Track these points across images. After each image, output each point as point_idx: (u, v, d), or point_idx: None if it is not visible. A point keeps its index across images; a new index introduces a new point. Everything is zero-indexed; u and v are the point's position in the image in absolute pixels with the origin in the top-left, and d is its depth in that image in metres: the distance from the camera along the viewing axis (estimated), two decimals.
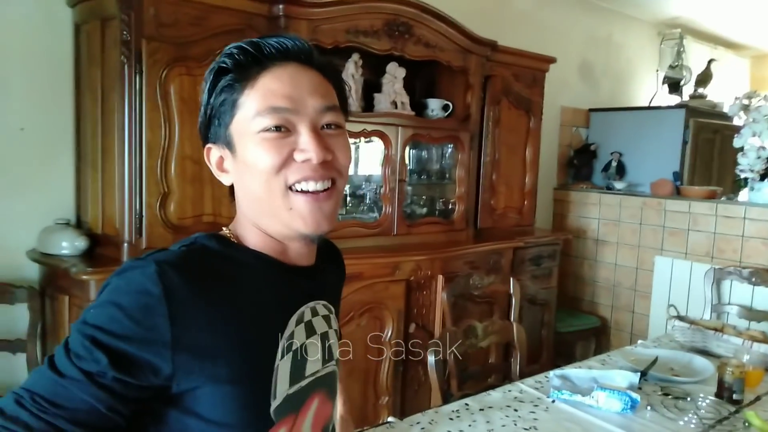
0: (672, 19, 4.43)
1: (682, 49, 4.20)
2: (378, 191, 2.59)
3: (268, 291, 0.75)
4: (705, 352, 1.84)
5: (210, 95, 0.74)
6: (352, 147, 2.60)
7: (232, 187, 0.78)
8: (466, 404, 1.43)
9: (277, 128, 0.71)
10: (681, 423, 1.36)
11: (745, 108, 3.17)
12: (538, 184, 3.31)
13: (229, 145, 0.74)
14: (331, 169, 0.74)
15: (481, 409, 1.41)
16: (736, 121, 3.37)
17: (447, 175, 2.91)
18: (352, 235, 2.42)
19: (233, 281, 0.71)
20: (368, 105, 2.57)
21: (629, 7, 4.21)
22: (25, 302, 1.99)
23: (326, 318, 0.83)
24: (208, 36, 1.94)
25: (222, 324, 0.67)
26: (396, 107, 2.57)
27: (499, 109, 2.99)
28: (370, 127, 2.45)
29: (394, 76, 2.58)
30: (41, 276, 2.08)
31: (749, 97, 3.18)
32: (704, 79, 4.24)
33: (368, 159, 2.68)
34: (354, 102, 2.45)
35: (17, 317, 2.01)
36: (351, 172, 2.68)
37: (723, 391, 1.50)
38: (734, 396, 1.48)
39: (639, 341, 2.06)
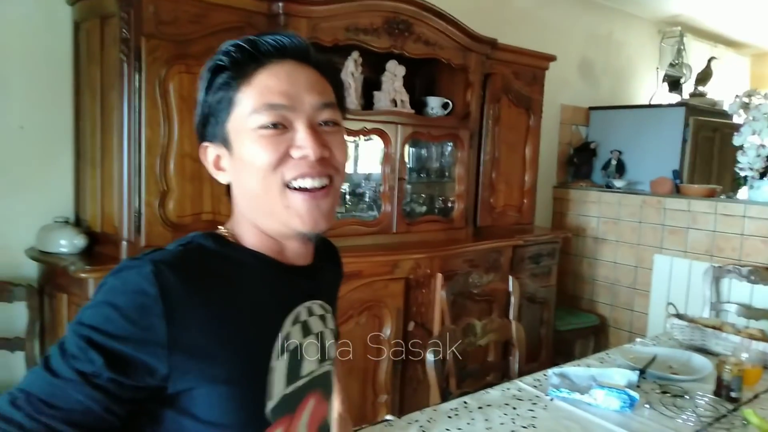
0: (672, 17, 4.43)
1: (682, 47, 4.20)
2: (377, 189, 2.59)
3: (264, 291, 0.74)
4: (704, 350, 1.84)
5: (206, 93, 0.73)
6: (352, 145, 2.60)
7: (228, 186, 0.78)
8: (465, 402, 1.44)
9: (274, 125, 0.71)
10: (679, 421, 1.36)
11: (745, 106, 3.16)
12: (537, 183, 3.31)
13: (225, 143, 0.74)
14: (329, 166, 0.74)
15: (479, 408, 1.41)
16: (736, 119, 3.36)
17: (446, 174, 2.91)
18: (351, 234, 2.42)
19: (230, 281, 0.71)
20: (368, 103, 2.57)
21: (630, 5, 4.21)
22: (24, 300, 1.99)
23: (322, 317, 0.83)
24: (208, 34, 1.94)
25: (218, 324, 0.67)
26: (396, 105, 2.57)
27: (498, 107, 2.98)
28: (369, 126, 2.44)
29: (394, 74, 2.57)
30: (40, 274, 2.08)
31: (749, 95, 3.18)
32: (704, 77, 4.24)
33: (368, 157, 2.68)
34: (354, 100, 2.44)
35: (16, 315, 2.01)
36: (351, 170, 2.68)
37: (721, 389, 1.50)
38: (732, 394, 1.48)
39: (638, 339, 2.07)
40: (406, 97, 2.62)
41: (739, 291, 2.85)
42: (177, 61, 1.90)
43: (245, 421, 0.70)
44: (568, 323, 3.48)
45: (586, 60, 4.11)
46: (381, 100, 2.56)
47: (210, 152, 0.76)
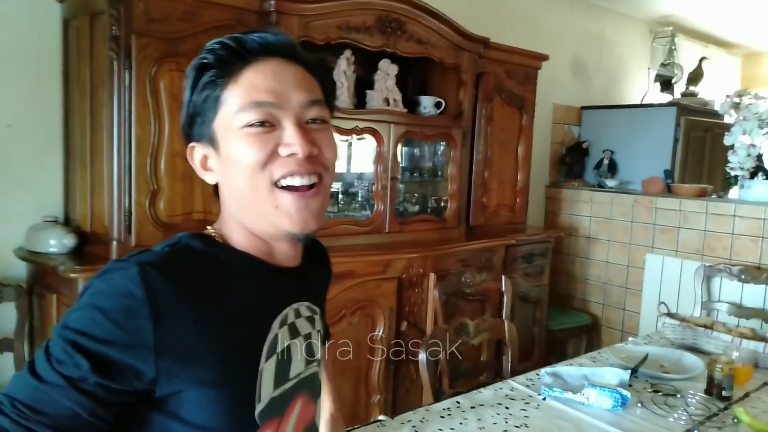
0: (664, 17, 4.45)
1: (673, 47, 4.22)
2: (370, 189, 2.59)
3: (252, 292, 0.73)
4: (695, 349, 1.85)
5: (192, 92, 0.72)
6: (345, 144, 2.59)
7: (216, 187, 0.77)
8: (458, 402, 1.43)
9: (261, 123, 0.70)
10: (671, 420, 1.36)
11: (736, 106, 3.18)
12: (530, 182, 3.31)
13: (212, 142, 0.73)
14: (317, 163, 0.73)
15: (472, 407, 1.41)
16: (727, 119, 3.38)
17: (439, 173, 2.91)
18: (343, 233, 2.41)
19: (218, 282, 0.70)
20: (360, 102, 2.56)
21: (621, 5, 4.23)
22: (13, 301, 1.97)
23: (310, 319, 0.82)
24: (199, 31, 1.93)
25: (206, 326, 0.66)
26: (388, 104, 2.56)
27: (491, 106, 2.98)
28: (362, 125, 2.44)
29: (387, 72, 2.57)
30: (29, 274, 2.06)
31: (740, 95, 3.20)
32: (695, 77, 4.26)
33: (360, 156, 2.67)
34: (346, 99, 2.43)
35: (4, 316, 1.99)
36: (343, 169, 2.67)
37: (712, 388, 1.51)
38: (723, 393, 1.49)
39: (630, 338, 2.07)
40: (398, 96, 2.61)
41: (729, 290, 2.87)
42: (167, 59, 1.88)
43: (234, 424, 0.69)
44: (561, 322, 3.49)
45: (578, 59, 4.12)
46: (373, 99, 2.56)
47: (197, 152, 0.75)
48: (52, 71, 2.08)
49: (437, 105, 2.77)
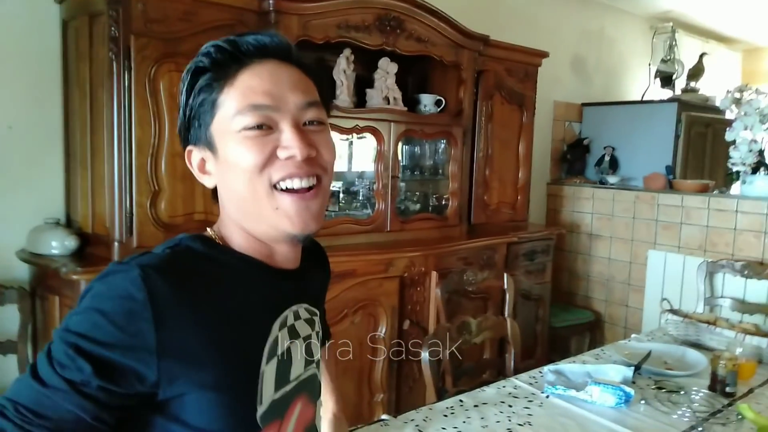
0: (664, 12, 4.44)
1: (674, 43, 4.20)
2: (371, 188, 2.58)
3: (253, 295, 0.73)
4: (698, 346, 1.85)
5: (188, 96, 0.72)
6: (345, 143, 2.59)
7: (215, 190, 0.77)
8: (461, 401, 1.43)
9: (259, 126, 0.69)
10: (675, 416, 1.36)
11: (737, 101, 3.17)
12: (531, 179, 3.30)
13: (210, 146, 0.72)
14: (316, 165, 0.72)
15: (475, 406, 1.40)
16: (728, 115, 3.38)
17: (440, 171, 2.90)
18: (345, 232, 2.41)
19: (219, 284, 0.70)
20: (360, 101, 2.56)
21: (621, 1, 4.21)
22: (15, 303, 1.97)
23: (309, 321, 0.82)
24: (198, 32, 1.92)
25: (207, 329, 0.66)
26: (388, 103, 2.56)
27: (491, 104, 2.98)
28: (362, 123, 2.43)
29: (386, 71, 2.56)
30: (31, 276, 2.06)
31: (741, 90, 3.19)
32: (696, 72, 4.25)
33: (361, 155, 2.67)
34: (346, 98, 2.43)
35: (7, 318, 1.99)
36: (344, 168, 2.67)
37: (716, 384, 1.50)
38: (727, 389, 1.49)
39: (632, 335, 2.07)
40: (398, 95, 2.61)
41: (732, 286, 2.86)
42: (167, 60, 1.88)
43: (236, 426, 0.69)
44: (563, 320, 3.49)
45: (578, 56, 4.11)
46: (373, 97, 2.55)
47: (194, 156, 0.75)
48: (52, 72, 2.08)
49: (437, 103, 2.76)
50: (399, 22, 2.45)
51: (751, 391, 1.54)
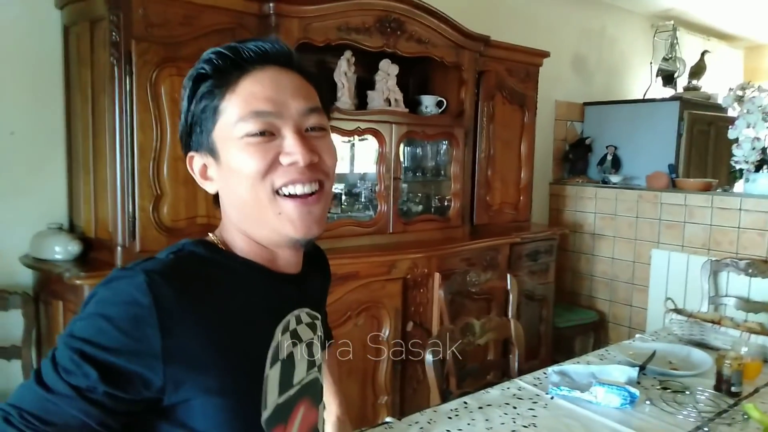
0: (665, 11, 4.43)
1: (675, 41, 4.19)
2: (373, 189, 2.58)
3: (256, 299, 0.73)
4: (703, 345, 1.84)
5: (190, 102, 0.72)
6: (347, 145, 2.59)
7: (217, 195, 0.77)
8: (465, 403, 1.43)
9: (261, 133, 0.70)
10: (680, 417, 1.35)
11: (739, 99, 3.16)
12: (533, 179, 3.30)
13: (212, 152, 0.73)
14: (318, 171, 0.73)
15: (479, 408, 1.40)
16: (731, 113, 3.37)
17: (442, 172, 2.90)
18: (347, 234, 2.41)
19: (222, 289, 0.70)
20: (362, 103, 2.56)
21: (622, 0, 4.21)
22: (19, 308, 1.98)
23: (311, 325, 0.82)
24: (199, 36, 1.93)
25: (212, 334, 0.66)
26: (389, 104, 2.56)
27: (493, 104, 2.98)
28: (363, 125, 2.43)
29: (387, 73, 2.56)
30: (35, 281, 2.06)
31: (743, 88, 3.18)
32: (698, 70, 4.24)
33: (363, 157, 2.67)
34: (347, 100, 2.43)
35: (11, 323, 2.00)
36: (346, 170, 2.67)
37: (722, 384, 1.49)
38: (733, 388, 1.48)
39: (637, 335, 2.06)
40: (399, 96, 2.61)
41: (737, 284, 2.85)
42: (168, 64, 1.88)
43: (241, 431, 0.69)
44: (567, 320, 3.48)
45: (579, 56, 4.10)
46: (375, 99, 2.55)
47: (196, 162, 0.75)
48: (54, 78, 2.08)
49: (439, 104, 2.76)
50: (399, 23, 2.45)
51: (756, 390, 1.53)
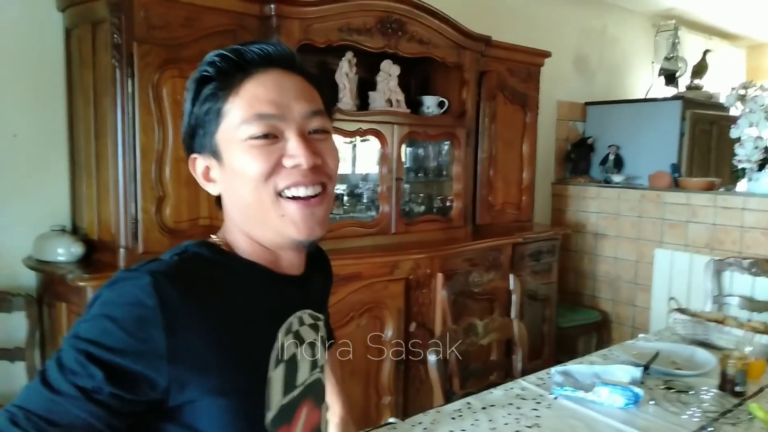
0: (666, 10, 4.42)
1: (677, 41, 4.19)
2: (375, 190, 2.58)
3: (259, 300, 0.74)
4: (707, 345, 1.83)
5: (193, 105, 0.73)
6: (348, 146, 2.59)
7: (219, 197, 0.77)
8: (468, 403, 1.42)
9: (265, 135, 0.70)
10: (684, 417, 1.35)
11: (742, 98, 3.16)
12: (535, 179, 3.30)
13: (215, 154, 0.73)
14: (321, 173, 0.73)
15: (483, 408, 1.40)
16: (733, 112, 3.36)
17: (444, 172, 2.90)
18: (349, 235, 2.41)
19: (226, 291, 0.70)
20: (363, 103, 2.56)
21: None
22: (23, 310, 1.98)
23: (313, 326, 0.82)
24: (200, 37, 1.93)
25: (217, 335, 0.66)
26: (391, 105, 2.56)
27: (494, 104, 2.97)
28: (365, 126, 2.43)
29: (389, 73, 2.56)
30: (38, 283, 2.07)
31: (745, 87, 3.17)
32: (700, 70, 4.23)
33: (364, 158, 2.67)
34: (349, 101, 2.43)
35: (15, 325, 2.00)
36: (348, 171, 2.67)
37: (726, 384, 1.49)
38: (737, 388, 1.47)
39: (640, 335, 2.06)
40: (401, 97, 2.60)
41: (740, 284, 2.84)
42: (169, 66, 1.89)
43: None
44: (571, 320, 3.47)
45: (580, 55, 4.10)
46: (376, 100, 2.55)
47: (199, 164, 0.76)
48: (56, 80, 2.09)
49: (440, 105, 2.76)
50: (400, 24, 2.45)
51: (761, 390, 1.53)
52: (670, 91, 4.14)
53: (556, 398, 1.45)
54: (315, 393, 0.82)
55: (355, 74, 2.47)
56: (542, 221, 3.78)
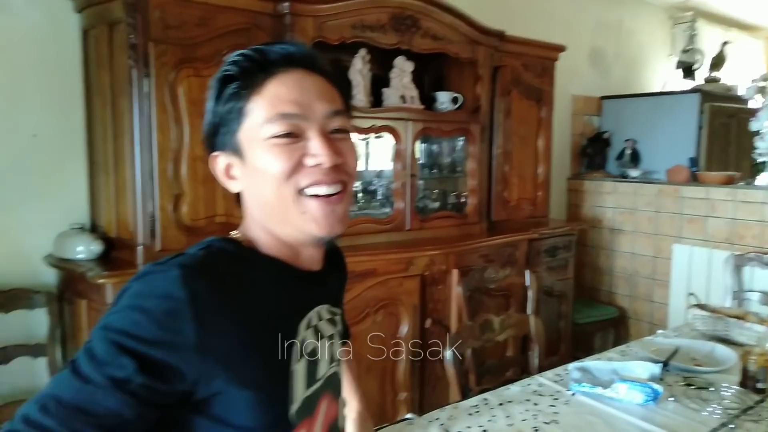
0: (683, 2, 4.36)
1: (694, 33, 4.13)
2: (389, 187, 2.58)
3: (281, 295, 0.75)
4: (727, 341, 1.81)
5: (216, 103, 0.74)
6: (362, 143, 2.59)
7: (238, 194, 0.78)
8: (485, 399, 1.42)
9: (287, 134, 0.71)
10: (705, 414, 1.33)
11: (761, 90, 3.11)
12: (551, 175, 3.27)
13: (237, 152, 0.74)
14: (341, 172, 0.74)
15: (500, 404, 1.39)
16: (752, 104, 3.30)
17: (458, 168, 2.89)
18: (364, 232, 2.41)
19: (251, 285, 0.71)
20: (377, 100, 2.56)
21: None
22: (44, 307, 2.01)
23: (331, 321, 0.84)
24: (215, 36, 1.94)
25: (243, 328, 0.68)
26: (405, 101, 2.55)
27: (509, 99, 2.95)
28: (379, 123, 2.43)
29: (402, 70, 2.56)
30: (59, 281, 2.10)
31: (765, 79, 3.12)
32: (718, 62, 4.17)
33: (379, 154, 2.67)
34: (362, 98, 2.43)
35: (37, 322, 2.03)
36: (362, 167, 2.67)
37: (747, 381, 1.47)
38: (759, 385, 1.45)
39: (659, 331, 2.03)
40: (415, 93, 2.60)
41: (761, 279, 2.79)
42: (185, 65, 1.90)
43: (271, 425, 0.70)
44: (587, 316, 3.44)
45: (596, 49, 4.05)
46: (390, 96, 2.55)
47: (220, 161, 0.77)
48: (74, 81, 2.11)
49: (454, 100, 2.75)
50: (414, 20, 2.44)
51: None
52: (688, 84, 4.09)
53: (573, 394, 1.44)
54: (333, 386, 0.84)
55: (368, 71, 2.47)
56: (558, 217, 3.75)
